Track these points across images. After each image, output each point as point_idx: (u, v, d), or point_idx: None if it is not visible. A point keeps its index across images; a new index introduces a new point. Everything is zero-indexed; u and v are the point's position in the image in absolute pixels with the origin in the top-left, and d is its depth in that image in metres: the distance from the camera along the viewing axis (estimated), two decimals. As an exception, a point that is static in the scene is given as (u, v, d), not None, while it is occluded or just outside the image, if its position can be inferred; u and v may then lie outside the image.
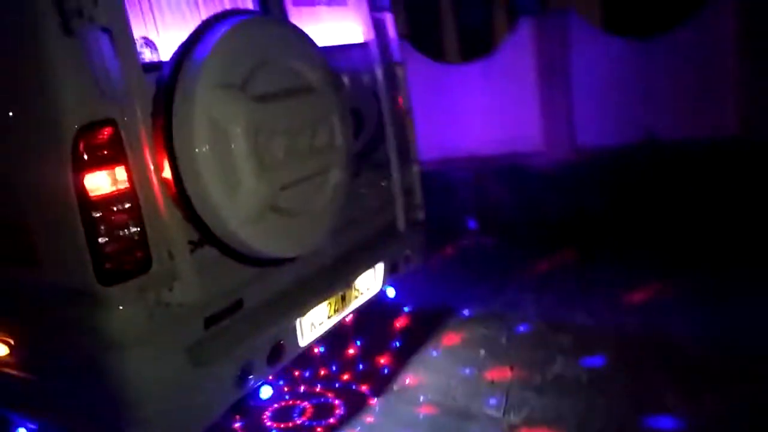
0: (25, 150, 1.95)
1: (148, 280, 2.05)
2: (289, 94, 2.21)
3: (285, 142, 2.17)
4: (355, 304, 3.20)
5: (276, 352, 2.59)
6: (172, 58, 2.01)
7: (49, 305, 2.07)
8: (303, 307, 2.72)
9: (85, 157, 1.90)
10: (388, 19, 3.48)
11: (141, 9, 2.18)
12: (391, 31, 3.51)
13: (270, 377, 2.82)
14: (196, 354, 2.19)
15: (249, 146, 2.02)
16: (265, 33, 2.19)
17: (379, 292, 3.44)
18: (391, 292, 3.70)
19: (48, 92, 1.86)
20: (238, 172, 2.01)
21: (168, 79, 1.95)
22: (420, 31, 8.14)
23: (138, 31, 2.11)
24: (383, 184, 3.47)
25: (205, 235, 2.10)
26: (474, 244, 6.37)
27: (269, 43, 2.17)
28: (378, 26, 3.45)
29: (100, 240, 1.94)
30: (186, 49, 2.01)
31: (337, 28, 3.16)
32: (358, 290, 3.20)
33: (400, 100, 3.58)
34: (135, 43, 1.99)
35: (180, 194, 2.00)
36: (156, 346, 2.12)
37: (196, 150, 1.92)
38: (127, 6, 2.01)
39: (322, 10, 3.08)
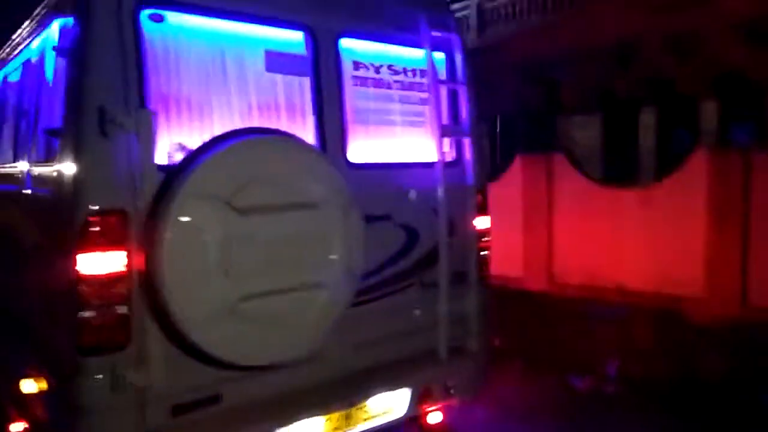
0: (52, 226, 2.32)
1: (121, 359, 2.24)
2: (283, 208, 2.31)
3: (263, 254, 2.25)
4: (364, 425, 3.04)
5: None
6: (176, 165, 2.27)
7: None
8: (287, 417, 2.67)
9: (93, 237, 2.20)
10: (467, 141, 3.45)
11: (190, 117, 2.51)
12: (469, 152, 3.47)
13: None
14: None
15: (213, 254, 2.15)
16: (270, 152, 2.35)
17: (404, 418, 3.23)
18: (434, 417, 3.43)
19: (77, 179, 2.23)
20: (200, 276, 2.13)
21: (163, 183, 2.20)
22: (579, 147, 7.87)
23: (179, 138, 2.44)
24: (430, 305, 3.32)
25: (167, 331, 2.24)
26: (593, 390, 5.66)
27: (272, 160, 2.32)
28: (458, 147, 3.45)
29: (87, 313, 2.20)
30: (188, 159, 2.25)
31: (410, 142, 3.24)
32: (369, 411, 3.05)
33: (471, 221, 3.46)
34: (155, 148, 2.28)
35: (148, 287, 2.18)
36: (117, 420, 2.27)
37: (163, 249, 2.10)
38: (158, 116, 2.34)
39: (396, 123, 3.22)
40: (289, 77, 2.80)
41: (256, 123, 2.68)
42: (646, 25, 12.79)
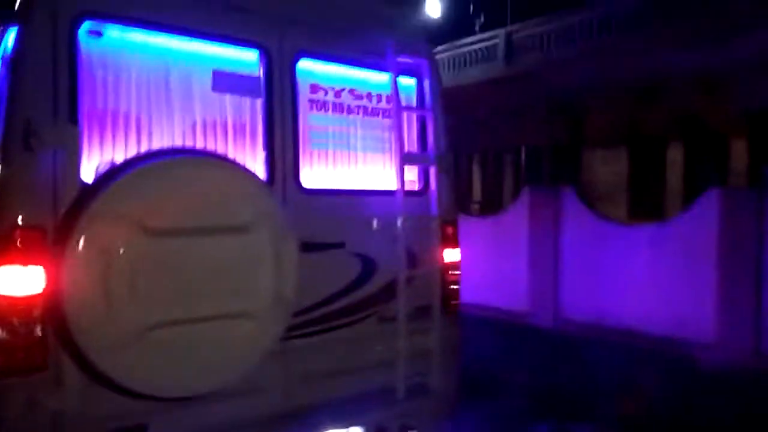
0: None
1: (37, 381, 2.16)
2: (204, 232, 2.22)
3: (178, 279, 2.16)
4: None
5: None
6: (91, 183, 2.21)
7: None
8: None
9: (12, 252, 2.14)
10: (434, 170, 3.33)
11: (126, 134, 2.46)
12: (436, 182, 3.34)
13: None
14: None
15: (121, 277, 2.06)
16: (193, 173, 2.28)
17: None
18: None
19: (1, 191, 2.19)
20: (105, 299, 2.05)
21: (76, 200, 2.14)
22: (603, 181, 7.70)
23: (113, 155, 2.39)
24: (388, 340, 3.17)
25: (76, 357, 2.15)
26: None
27: (195, 181, 2.24)
28: (425, 176, 3.33)
29: (2, 333, 2.13)
30: (102, 177, 2.19)
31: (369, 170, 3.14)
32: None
33: (436, 252, 3.31)
34: (79, 164, 2.24)
35: (55, 310, 2.10)
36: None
37: (66, 269, 2.02)
38: (89, 132, 2.30)
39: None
40: (240, 98, 2.74)
41: (200, 143, 2.63)
42: (675, 61, 12.52)
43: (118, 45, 2.44)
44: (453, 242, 3.43)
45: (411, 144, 3.34)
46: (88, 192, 2.14)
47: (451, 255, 3.42)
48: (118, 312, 2.06)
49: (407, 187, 3.25)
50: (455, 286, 3.46)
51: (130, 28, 2.45)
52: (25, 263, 2.13)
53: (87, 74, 2.34)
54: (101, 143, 2.37)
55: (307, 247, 2.82)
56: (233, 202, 2.31)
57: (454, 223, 3.47)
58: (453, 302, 3.44)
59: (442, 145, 3.39)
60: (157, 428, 2.42)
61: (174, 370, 2.24)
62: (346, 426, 3.00)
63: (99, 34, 2.37)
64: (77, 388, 2.21)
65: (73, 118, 2.26)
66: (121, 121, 2.45)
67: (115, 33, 2.41)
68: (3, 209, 2.15)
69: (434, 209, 3.33)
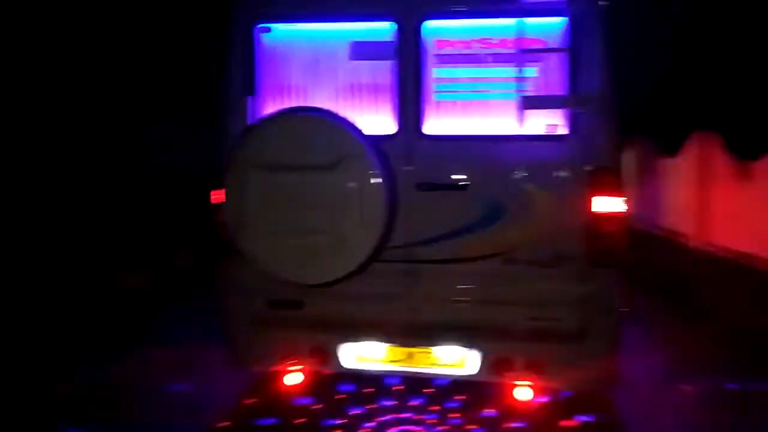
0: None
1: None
2: (307, 168, 2.97)
3: (290, 202, 3.01)
4: (426, 369, 3.42)
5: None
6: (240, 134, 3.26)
7: None
8: (353, 335, 3.41)
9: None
10: (583, 113, 3.16)
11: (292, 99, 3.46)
12: (586, 126, 3.17)
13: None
14: None
15: (253, 198, 3.05)
16: (299, 125, 3.01)
17: (476, 378, 3.41)
18: (521, 393, 3.44)
19: None
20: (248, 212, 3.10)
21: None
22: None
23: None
24: (511, 282, 3.30)
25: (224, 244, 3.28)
26: None
27: (301, 131, 3.00)
28: (573, 119, 3.21)
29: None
30: (245, 129, 3.22)
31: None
32: (434, 359, 3.40)
33: (579, 200, 3.19)
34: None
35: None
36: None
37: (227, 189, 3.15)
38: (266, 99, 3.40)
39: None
40: (374, 62, 3.36)
41: (345, 102, 3.39)
42: None
43: (282, 35, 3.43)
44: (609, 190, 3.19)
45: (554, 86, 3.24)
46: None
47: (606, 204, 3.20)
48: (259, 222, 3.07)
49: (548, 132, 3.23)
50: (612, 238, 3.22)
51: (289, 22, 3.41)
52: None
53: (262, 57, 3.42)
54: (274, 105, 3.41)
55: (426, 186, 3.29)
56: (325, 146, 3.01)
57: (611, 170, 3.21)
58: (607, 255, 3.23)
59: (595, 86, 3.17)
60: (310, 307, 3.43)
61: (296, 264, 3.12)
62: (463, 346, 3.36)
63: (268, 29, 3.41)
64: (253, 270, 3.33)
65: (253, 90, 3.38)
66: (287, 90, 3.46)
67: (279, 27, 3.41)
68: None
69: (580, 155, 3.19)
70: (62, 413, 4.14)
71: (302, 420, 3.97)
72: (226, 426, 3.97)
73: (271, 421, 3.97)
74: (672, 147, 9.45)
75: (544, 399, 3.86)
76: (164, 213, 9.85)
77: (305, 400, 4.15)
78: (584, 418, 3.98)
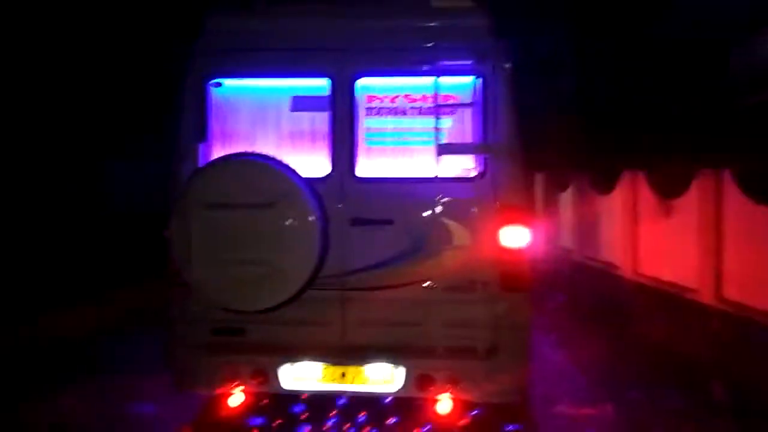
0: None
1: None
2: (247, 206, 3.34)
3: (230, 236, 3.39)
4: (358, 387, 3.79)
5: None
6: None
7: None
8: (292, 356, 3.77)
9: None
10: (491, 157, 3.67)
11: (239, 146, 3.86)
12: (494, 167, 3.67)
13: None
14: None
15: (197, 233, 3.40)
16: (239, 168, 3.43)
17: (402, 394, 3.79)
18: (442, 407, 3.81)
19: None
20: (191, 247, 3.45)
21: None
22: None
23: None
24: (431, 306, 3.72)
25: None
26: None
27: (241, 173, 3.41)
28: (485, 162, 3.70)
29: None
30: (194, 172, 3.61)
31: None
32: (365, 377, 3.77)
33: (490, 231, 3.66)
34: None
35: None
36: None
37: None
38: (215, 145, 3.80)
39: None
40: (312, 113, 3.82)
41: (287, 148, 3.82)
42: None
43: (231, 89, 3.86)
44: (516, 224, 3.67)
45: (467, 135, 3.75)
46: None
47: (514, 236, 3.68)
48: (203, 255, 3.43)
49: (462, 174, 3.72)
50: (519, 266, 3.70)
51: (237, 78, 3.85)
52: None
53: (213, 108, 3.84)
54: (224, 152, 3.79)
55: (358, 221, 3.72)
56: (264, 186, 3.41)
57: (517, 207, 3.70)
58: (516, 281, 3.69)
59: (503, 134, 3.68)
60: (250, 333, 3.77)
61: (236, 293, 3.48)
62: (388, 362, 3.74)
63: (219, 84, 3.84)
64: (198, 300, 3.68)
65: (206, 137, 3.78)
66: (235, 137, 3.87)
67: (228, 82, 3.84)
68: None
69: (490, 192, 3.67)
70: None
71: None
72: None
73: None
74: (606, 186, 10.19)
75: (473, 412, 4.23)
76: (117, 250, 10.05)
77: (252, 420, 4.44)
78: (512, 427, 4.41)
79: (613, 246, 9.78)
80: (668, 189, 8.26)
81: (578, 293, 9.34)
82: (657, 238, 8.52)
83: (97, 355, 6.52)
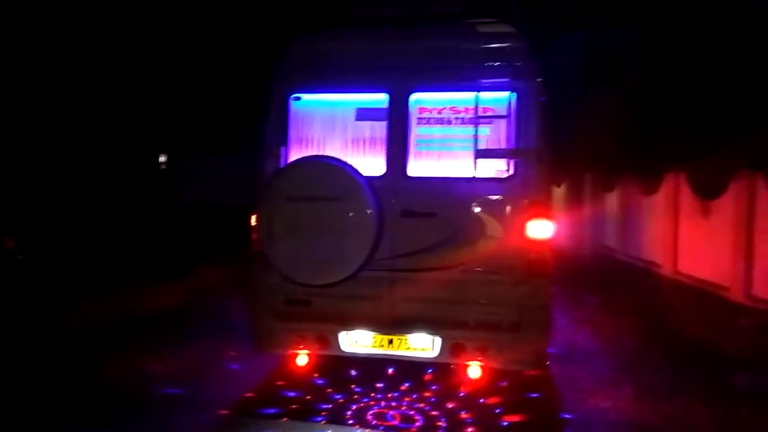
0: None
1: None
2: (319, 199, 4.15)
3: (306, 222, 4.18)
4: (402, 353, 4.54)
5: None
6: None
7: None
8: (348, 324, 4.53)
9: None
10: (520, 161, 4.33)
11: (314, 149, 4.68)
12: (524, 170, 4.33)
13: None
14: None
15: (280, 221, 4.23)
16: (313, 168, 4.24)
17: (439, 360, 4.52)
18: (472, 371, 4.54)
19: None
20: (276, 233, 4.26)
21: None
22: None
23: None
24: (468, 286, 4.41)
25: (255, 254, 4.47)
26: None
27: (315, 172, 4.22)
28: (516, 165, 4.37)
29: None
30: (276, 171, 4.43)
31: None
32: (408, 344, 4.51)
33: (520, 224, 4.33)
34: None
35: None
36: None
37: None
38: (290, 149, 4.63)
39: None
40: (373, 122, 4.58)
41: (351, 151, 4.61)
42: None
43: (308, 103, 4.68)
44: (540, 218, 4.33)
45: (501, 142, 4.43)
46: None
47: (538, 228, 4.34)
48: (282, 238, 4.25)
49: (496, 175, 4.41)
50: (543, 255, 4.35)
51: (313, 93, 4.66)
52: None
53: (292, 118, 4.66)
54: (299, 153, 4.61)
55: (407, 213, 4.47)
56: (333, 183, 4.20)
57: (542, 203, 4.35)
58: (539, 267, 4.35)
59: (532, 142, 4.34)
60: (316, 304, 4.57)
61: (307, 270, 4.29)
62: (432, 334, 4.47)
63: (298, 99, 4.65)
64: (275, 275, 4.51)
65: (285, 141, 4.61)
66: (309, 142, 4.69)
67: (305, 97, 4.66)
68: None
69: (520, 191, 4.34)
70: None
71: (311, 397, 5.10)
72: (253, 396, 5.12)
73: (291, 394, 5.11)
74: (650, 186, 10.55)
75: (490, 377, 4.91)
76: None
77: (315, 380, 5.29)
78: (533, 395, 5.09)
79: (655, 245, 10.15)
80: (707, 190, 8.62)
81: (619, 290, 9.75)
82: (695, 238, 8.89)
83: (188, 322, 7.59)
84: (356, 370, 5.50)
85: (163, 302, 8.57)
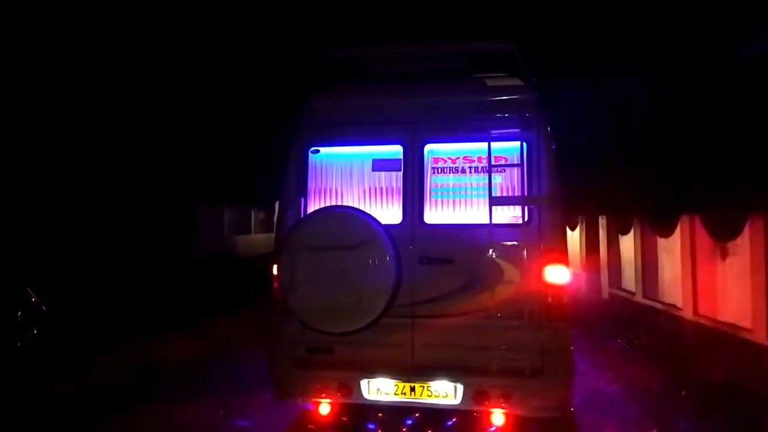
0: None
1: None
2: (337, 248, 4.27)
3: (323, 272, 4.29)
4: (423, 400, 4.53)
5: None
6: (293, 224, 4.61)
7: None
8: (370, 372, 4.55)
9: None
10: (536, 208, 4.44)
11: (332, 200, 4.83)
12: (538, 217, 4.42)
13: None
14: None
15: (299, 269, 4.32)
16: (332, 218, 4.36)
17: (461, 407, 4.51)
18: (496, 419, 4.52)
19: None
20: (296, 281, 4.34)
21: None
22: None
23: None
24: (489, 332, 4.44)
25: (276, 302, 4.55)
26: None
27: (333, 223, 4.34)
28: (530, 212, 4.47)
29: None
30: (296, 222, 4.56)
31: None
32: (430, 391, 4.52)
33: (535, 269, 4.39)
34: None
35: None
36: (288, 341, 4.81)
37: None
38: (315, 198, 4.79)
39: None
40: (389, 172, 4.74)
41: (369, 201, 4.75)
42: None
43: (326, 155, 4.85)
44: (557, 264, 4.39)
45: (514, 190, 4.54)
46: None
47: (555, 273, 4.40)
48: (302, 286, 4.35)
49: (511, 221, 4.51)
50: (561, 299, 4.39)
51: (331, 146, 4.84)
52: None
53: (311, 170, 4.83)
54: (318, 203, 4.77)
55: (425, 260, 4.56)
56: (352, 232, 4.32)
57: (557, 249, 4.43)
58: (558, 312, 4.38)
59: (545, 188, 4.45)
60: (338, 351, 4.61)
61: (328, 318, 4.35)
62: (454, 381, 4.48)
63: (317, 151, 4.84)
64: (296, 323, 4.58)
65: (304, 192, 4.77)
66: (328, 192, 4.84)
67: (324, 149, 4.84)
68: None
69: (535, 237, 4.43)
70: None
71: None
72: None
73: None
74: (666, 229, 10.55)
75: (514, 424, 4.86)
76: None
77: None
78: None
79: (674, 287, 10.07)
80: (723, 232, 8.62)
81: (640, 333, 9.64)
82: (715, 280, 8.82)
83: (205, 374, 7.60)
84: (378, 420, 5.47)
85: (182, 355, 8.62)
